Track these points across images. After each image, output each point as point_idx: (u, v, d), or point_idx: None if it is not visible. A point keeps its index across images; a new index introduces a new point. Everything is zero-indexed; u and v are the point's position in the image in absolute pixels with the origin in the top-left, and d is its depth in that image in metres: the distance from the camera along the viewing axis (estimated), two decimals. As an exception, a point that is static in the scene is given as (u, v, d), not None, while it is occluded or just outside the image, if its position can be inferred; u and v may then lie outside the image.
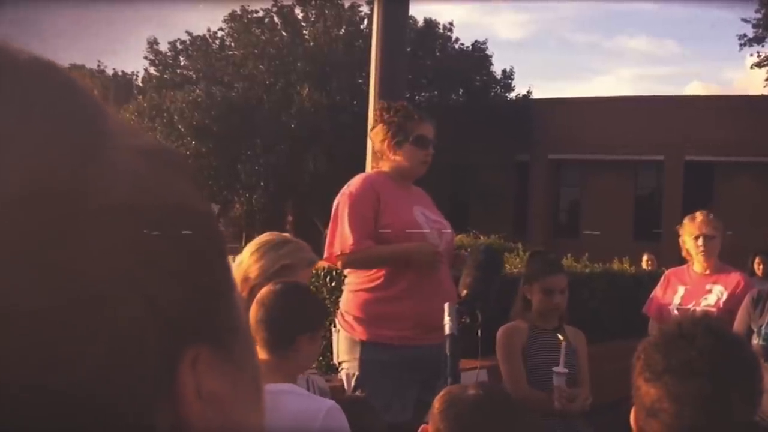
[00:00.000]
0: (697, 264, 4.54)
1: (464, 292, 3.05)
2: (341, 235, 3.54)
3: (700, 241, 4.45)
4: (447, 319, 2.87)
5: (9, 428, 0.35)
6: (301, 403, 2.14)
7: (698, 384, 1.49)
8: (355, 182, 3.67)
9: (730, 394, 1.51)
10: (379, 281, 3.55)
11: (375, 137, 3.76)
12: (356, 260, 3.55)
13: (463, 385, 2.12)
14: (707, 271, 4.50)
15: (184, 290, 0.40)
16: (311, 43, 24.46)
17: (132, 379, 0.38)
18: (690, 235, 4.51)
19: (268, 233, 2.99)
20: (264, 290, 2.37)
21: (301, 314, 2.29)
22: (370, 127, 3.91)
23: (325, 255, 3.61)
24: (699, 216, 4.52)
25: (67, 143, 0.38)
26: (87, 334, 0.36)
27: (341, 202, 3.59)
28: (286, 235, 3.08)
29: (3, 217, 0.35)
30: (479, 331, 2.96)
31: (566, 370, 3.52)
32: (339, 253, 3.53)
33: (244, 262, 2.84)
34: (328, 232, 3.62)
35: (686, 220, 4.58)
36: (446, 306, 2.89)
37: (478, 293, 3.04)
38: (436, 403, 2.09)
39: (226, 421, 0.42)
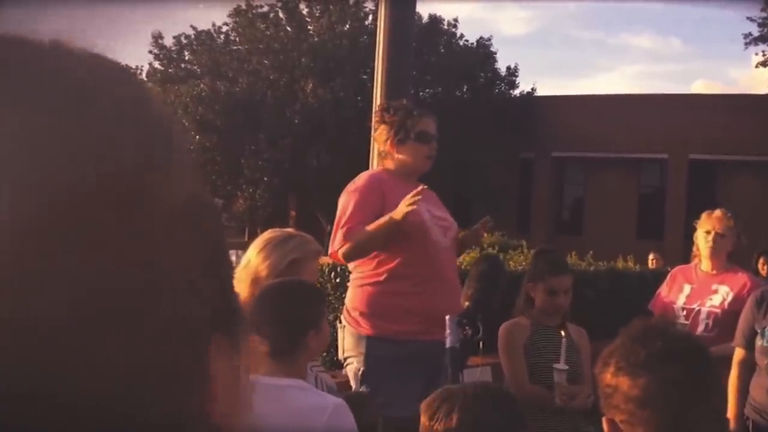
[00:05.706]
0: (704, 262, 4.46)
1: (466, 303, 3.03)
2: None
3: (710, 237, 4.37)
4: (447, 332, 2.85)
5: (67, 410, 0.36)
6: (307, 398, 2.12)
7: (681, 367, 1.55)
8: (360, 179, 3.68)
9: (708, 378, 1.60)
10: (383, 276, 3.56)
11: (379, 138, 3.78)
12: (351, 249, 3.51)
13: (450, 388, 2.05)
14: (714, 271, 4.41)
15: (217, 281, 0.43)
16: (316, 39, 24.44)
17: (182, 369, 0.40)
18: (702, 229, 4.44)
19: (270, 230, 2.94)
20: (264, 290, 2.34)
21: (306, 312, 2.26)
22: (373, 129, 3.92)
23: (330, 251, 3.61)
24: (717, 212, 4.44)
25: (139, 142, 0.40)
26: (147, 329, 0.38)
27: (345, 200, 3.59)
28: (289, 229, 3.04)
29: (80, 210, 0.37)
30: (481, 343, 2.95)
31: (566, 367, 3.51)
32: (338, 247, 3.53)
33: (252, 263, 2.75)
34: (334, 228, 3.62)
35: (704, 215, 4.49)
36: (447, 319, 2.87)
37: (480, 305, 3.02)
38: (422, 416, 2.01)
39: (223, 405, 0.43)
